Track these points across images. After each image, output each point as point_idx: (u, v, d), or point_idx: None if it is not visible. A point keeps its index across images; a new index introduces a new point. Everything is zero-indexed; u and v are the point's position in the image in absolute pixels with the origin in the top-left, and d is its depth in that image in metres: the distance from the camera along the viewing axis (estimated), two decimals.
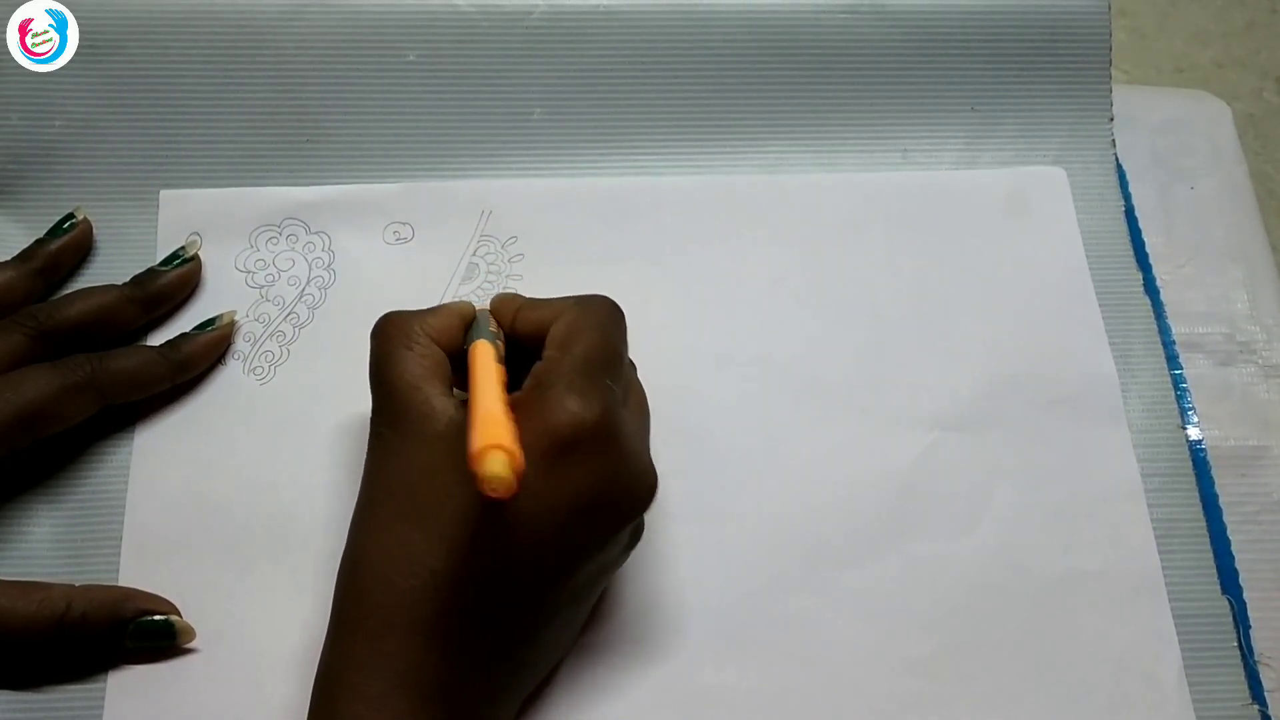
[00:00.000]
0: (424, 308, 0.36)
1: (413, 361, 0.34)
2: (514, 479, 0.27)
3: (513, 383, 0.33)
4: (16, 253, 0.41)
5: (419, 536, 0.31)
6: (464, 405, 0.33)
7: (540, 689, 0.36)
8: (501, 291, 0.37)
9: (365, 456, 0.34)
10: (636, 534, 0.35)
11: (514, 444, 0.28)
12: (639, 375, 0.37)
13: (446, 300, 0.42)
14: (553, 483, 0.31)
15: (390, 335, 0.34)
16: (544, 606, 0.32)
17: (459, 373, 0.35)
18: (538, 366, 0.33)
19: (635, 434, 0.34)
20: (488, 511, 0.30)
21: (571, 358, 0.33)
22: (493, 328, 0.36)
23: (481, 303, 0.39)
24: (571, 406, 0.31)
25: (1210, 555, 0.39)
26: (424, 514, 0.31)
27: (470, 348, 0.34)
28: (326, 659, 0.32)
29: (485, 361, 0.33)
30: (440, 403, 0.33)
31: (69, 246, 0.42)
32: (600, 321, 0.34)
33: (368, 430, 0.40)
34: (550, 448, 0.31)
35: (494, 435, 0.28)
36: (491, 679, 0.32)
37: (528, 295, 0.37)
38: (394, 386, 0.33)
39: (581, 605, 0.35)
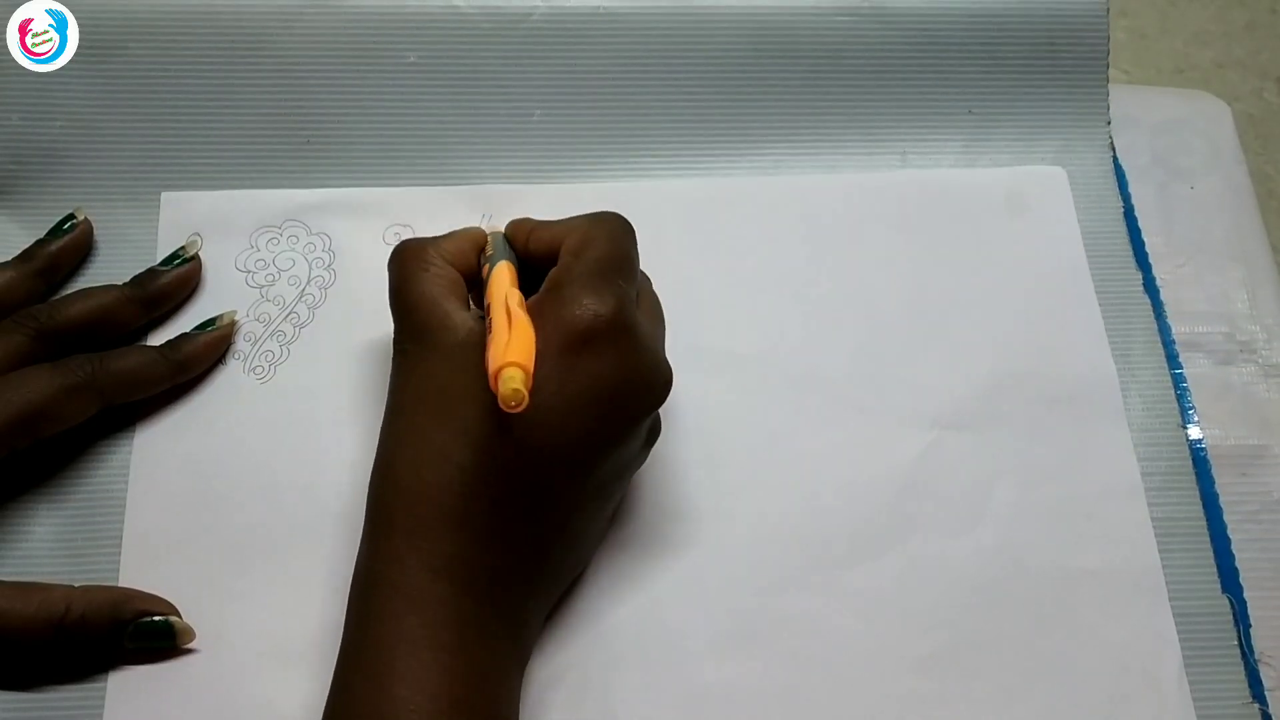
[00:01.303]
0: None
1: (429, 281, 0.35)
2: (526, 394, 0.29)
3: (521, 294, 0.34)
4: (17, 253, 0.41)
5: (446, 436, 0.32)
6: (482, 319, 0.34)
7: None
8: (516, 218, 0.39)
9: (390, 376, 0.35)
10: (655, 430, 0.37)
11: (528, 358, 0.30)
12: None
13: None
14: (571, 375, 0.32)
15: (407, 260, 0.36)
16: (569, 498, 0.34)
17: (474, 294, 0.36)
18: (553, 271, 0.35)
19: (649, 331, 0.35)
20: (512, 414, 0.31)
21: (585, 261, 0.34)
22: (506, 250, 0.37)
23: (496, 224, 0.40)
24: (586, 302, 0.33)
25: (1210, 554, 0.39)
26: (449, 415, 0.32)
27: (486, 268, 0.36)
28: (363, 560, 0.33)
29: (500, 280, 0.35)
30: (459, 316, 0.34)
31: (69, 247, 0.42)
32: (612, 231, 0.36)
33: (368, 428, 0.40)
34: (567, 342, 0.32)
35: (511, 352, 0.30)
36: (524, 570, 0.33)
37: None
38: (414, 305, 0.35)
39: (605, 501, 0.36)
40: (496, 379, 0.30)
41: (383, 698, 0.30)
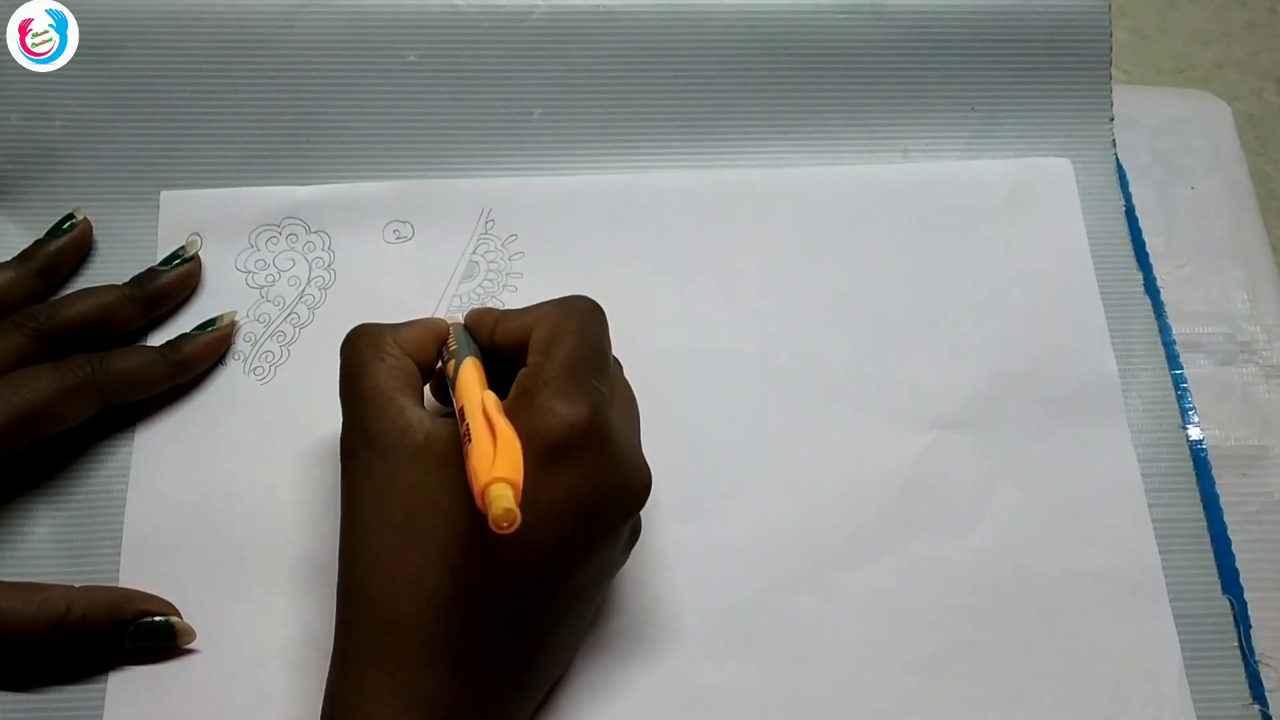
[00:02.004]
0: (397, 321, 0.36)
1: (385, 372, 0.33)
2: (519, 513, 0.27)
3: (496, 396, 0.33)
4: (16, 253, 0.41)
5: (419, 560, 0.31)
6: (440, 419, 0.32)
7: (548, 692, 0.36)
8: (475, 308, 0.37)
9: (341, 478, 0.33)
10: (635, 532, 0.35)
11: (517, 472, 0.28)
12: (633, 373, 0.37)
13: (445, 299, 0.42)
14: (546, 489, 0.31)
15: (361, 347, 0.34)
16: (549, 612, 0.32)
17: (430, 385, 0.35)
18: (522, 373, 0.33)
19: (625, 433, 0.33)
20: (484, 528, 0.29)
21: (555, 362, 0.32)
22: (470, 345, 0.36)
23: (455, 315, 0.39)
24: (560, 410, 0.31)
25: (1210, 555, 0.39)
26: (419, 536, 0.31)
27: (453, 365, 0.34)
28: (337, 689, 0.32)
29: (471, 382, 0.33)
30: (416, 414, 0.32)
31: (69, 247, 0.42)
32: (582, 323, 0.34)
33: None
34: (541, 454, 0.30)
35: (499, 467, 0.28)
36: (504, 690, 0.32)
37: (528, 293, 0.37)
38: (366, 398, 0.33)
39: (586, 607, 0.35)
40: (484, 496, 0.28)
41: None
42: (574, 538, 0.32)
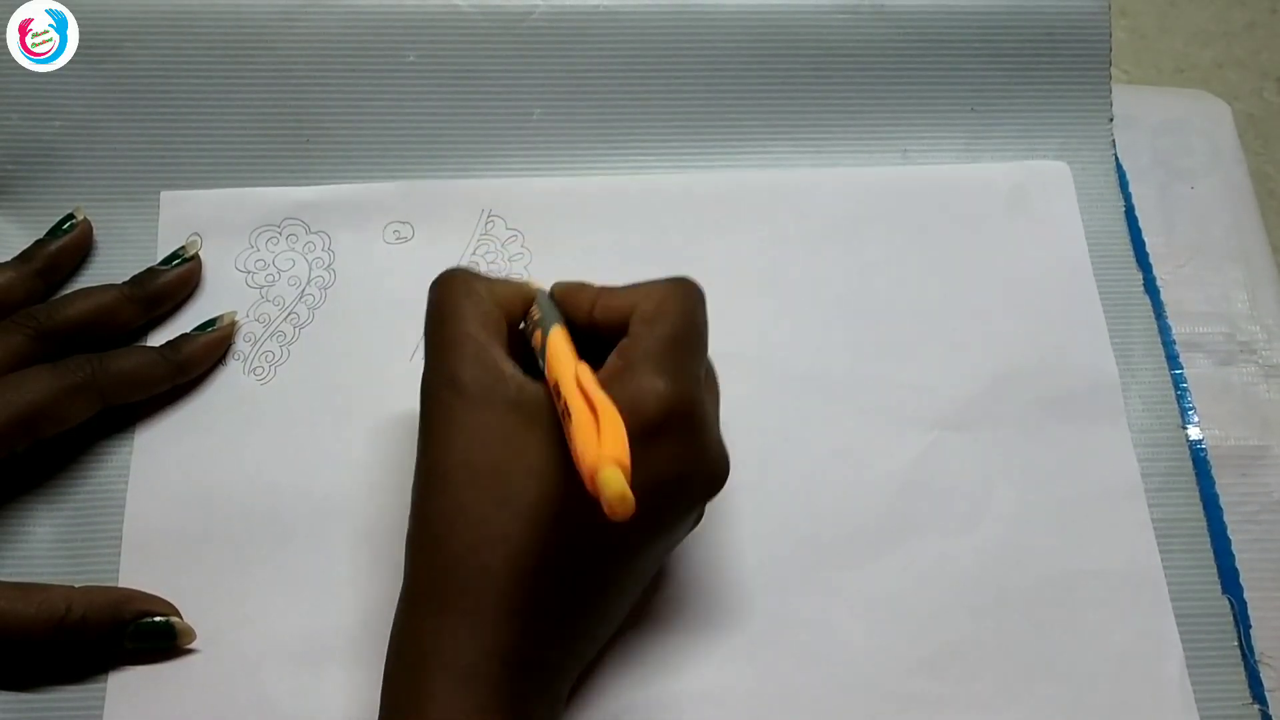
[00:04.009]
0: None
1: (477, 319, 0.33)
2: (633, 497, 0.26)
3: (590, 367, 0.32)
4: (16, 253, 0.41)
5: (506, 516, 0.31)
6: (528, 377, 0.32)
7: None
8: (565, 280, 0.36)
9: (420, 421, 0.33)
10: (700, 513, 0.35)
11: (625, 453, 0.27)
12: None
13: None
14: (639, 465, 0.29)
15: (455, 289, 0.33)
16: (616, 581, 0.33)
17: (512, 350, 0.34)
18: (623, 343, 0.32)
19: (713, 417, 0.34)
20: (575, 493, 0.29)
21: (658, 337, 0.32)
22: (555, 313, 0.35)
23: (540, 281, 0.37)
24: (659, 387, 0.31)
25: (1210, 555, 0.39)
26: (507, 492, 0.31)
27: (539, 335, 0.33)
28: (407, 633, 0.32)
29: (564, 353, 0.31)
30: (507, 365, 0.32)
31: (69, 247, 0.42)
32: (688, 302, 0.34)
33: (368, 429, 0.40)
34: (639, 429, 0.30)
35: (608, 447, 0.27)
36: (566, 648, 0.33)
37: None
38: (459, 343, 0.32)
39: (643, 579, 0.36)
40: (594, 479, 0.26)
41: None
42: (657, 516, 0.32)
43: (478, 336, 0.32)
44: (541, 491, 0.31)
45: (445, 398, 0.32)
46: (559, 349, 0.32)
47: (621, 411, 0.29)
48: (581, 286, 0.35)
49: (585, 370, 0.30)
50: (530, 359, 0.33)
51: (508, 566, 0.31)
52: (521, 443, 0.31)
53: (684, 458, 0.32)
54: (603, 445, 0.27)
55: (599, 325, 0.34)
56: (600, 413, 0.28)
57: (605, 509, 0.26)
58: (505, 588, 0.31)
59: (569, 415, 0.29)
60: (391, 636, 0.32)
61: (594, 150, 0.45)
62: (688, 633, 0.37)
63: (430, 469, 0.32)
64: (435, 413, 0.33)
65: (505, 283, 0.35)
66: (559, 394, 0.30)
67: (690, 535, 0.38)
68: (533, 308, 0.35)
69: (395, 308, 0.42)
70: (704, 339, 0.34)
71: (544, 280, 0.42)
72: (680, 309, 0.33)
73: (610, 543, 0.32)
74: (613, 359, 0.32)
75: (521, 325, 0.35)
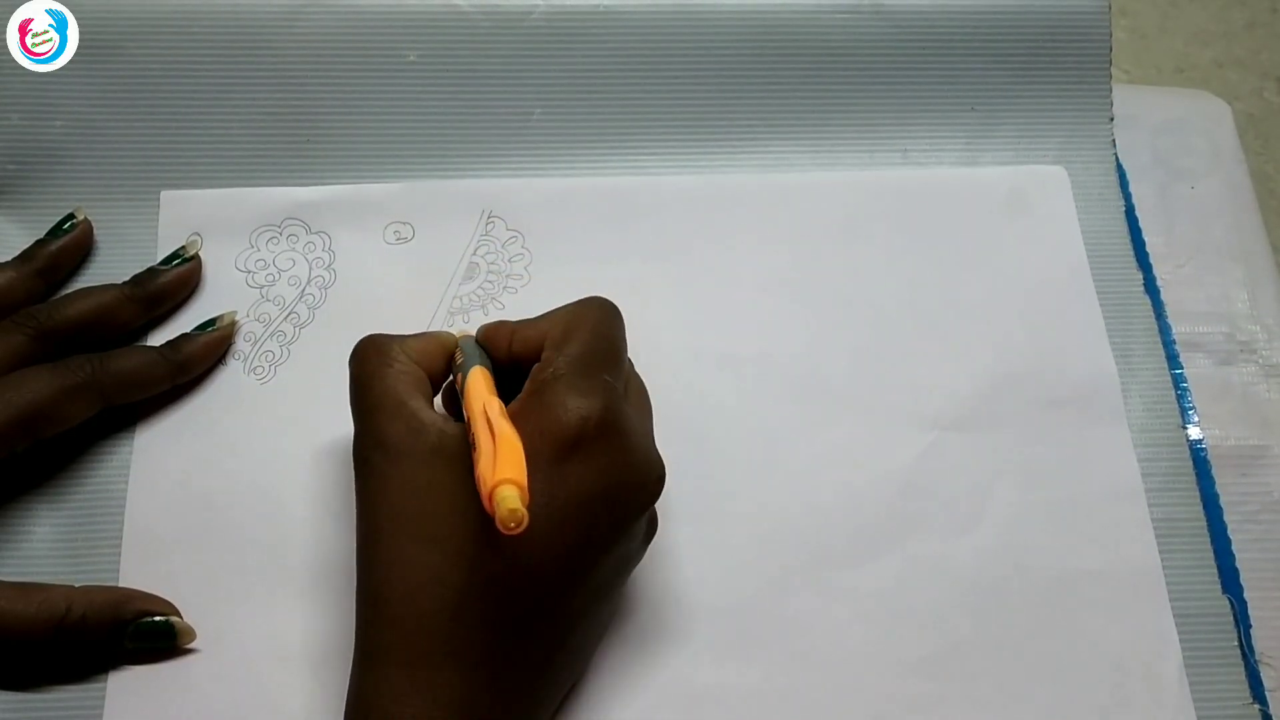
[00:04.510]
0: (398, 326, 0.36)
1: (394, 378, 0.33)
2: (526, 513, 0.27)
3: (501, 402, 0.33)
4: (17, 253, 0.41)
5: (438, 558, 0.31)
6: (453, 421, 0.33)
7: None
8: (488, 322, 0.37)
9: (355, 486, 0.33)
10: (652, 526, 0.35)
11: (520, 473, 0.28)
12: (640, 371, 0.37)
13: (446, 300, 0.42)
14: (561, 484, 0.31)
15: (369, 356, 0.34)
16: (568, 608, 0.32)
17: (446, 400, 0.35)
18: (535, 368, 0.33)
19: (639, 426, 0.34)
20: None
21: (568, 357, 0.33)
22: (479, 355, 0.36)
23: (459, 323, 0.39)
24: (572, 405, 0.31)
25: (1210, 555, 0.39)
26: (438, 534, 0.31)
27: (461, 377, 0.34)
28: (359, 689, 0.31)
29: (477, 388, 0.33)
30: (428, 415, 0.33)
31: (69, 247, 0.42)
32: (595, 319, 0.34)
33: None
34: (556, 449, 0.31)
35: (502, 469, 0.28)
36: (527, 687, 0.32)
37: (529, 295, 0.37)
38: (377, 403, 0.33)
39: (605, 603, 0.35)
40: (491, 499, 0.28)
41: None
42: (591, 532, 0.32)
43: (395, 394, 0.33)
44: (470, 529, 0.30)
45: (371, 458, 0.33)
46: (473, 388, 0.33)
47: (536, 433, 0.30)
48: (500, 324, 0.36)
49: (494, 403, 0.31)
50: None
51: (445, 608, 0.30)
52: (448, 485, 0.31)
53: (608, 469, 0.31)
54: (498, 467, 0.28)
55: (519, 357, 0.35)
56: (498, 437, 0.29)
57: (499, 526, 0.27)
58: (445, 632, 0.30)
59: (476, 448, 0.30)
60: (346, 698, 0.32)
61: (594, 151, 0.45)
62: (687, 632, 0.37)
63: (365, 527, 0.33)
64: (364, 473, 0.33)
65: (421, 337, 0.36)
66: (470, 428, 0.31)
67: (689, 535, 0.39)
68: (456, 353, 0.36)
69: (396, 308, 0.42)
70: (617, 352, 0.34)
71: (544, 279, 0.42)
72: (589, 326, 0.34)
73: (552, 569, 0.31)
74: (526, 386, 0.33)
75: (448, 375, 0.36)
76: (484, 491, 0.28)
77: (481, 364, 0.34)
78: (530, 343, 0.35)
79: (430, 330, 0.37)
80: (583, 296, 0.36)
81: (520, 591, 0.31)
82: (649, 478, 0.33)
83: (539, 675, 0.33)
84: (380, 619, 0.31)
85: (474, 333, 0.37)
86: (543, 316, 0.36)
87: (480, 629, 0.31)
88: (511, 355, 0.35)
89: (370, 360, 0.34)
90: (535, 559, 0.31)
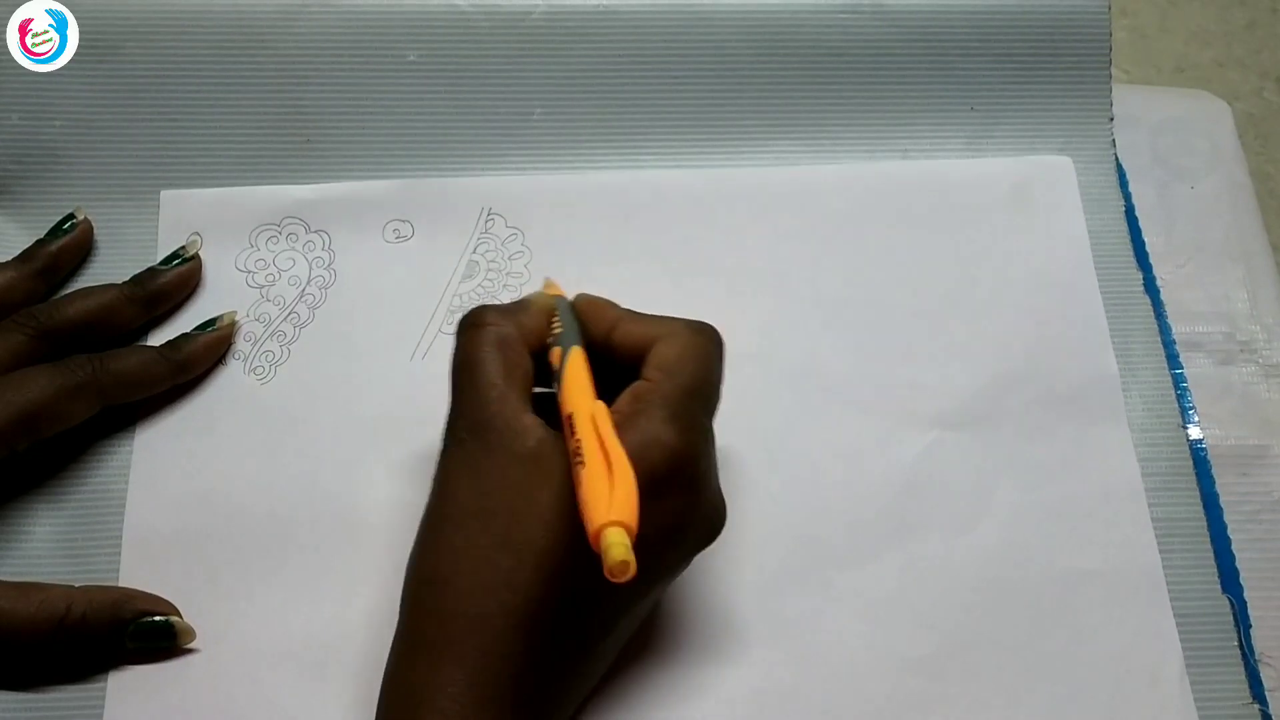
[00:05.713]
0: (512, 302, 0.36)
1: (503, 369, 0.33)
2: (634, 563, 0.27)
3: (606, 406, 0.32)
4: (17, 253, 0.41)
5: (513, 562, 0.30)
6: (552, 431, 0.32)
7: None
8: (590, 295, 0.36)
9: (440, 459, 0.33)
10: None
11: (633, 516, 0.27)
12: None
13: (446, 298, 0.42)
14: (647, 517, 0.29)
15: (481, 335, 0.34)
16: (616, 624, 0.33)
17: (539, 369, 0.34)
18: (640, 387, 0.33)
19: (714, 467, 0.34)
20: (583, 546, 0.29)
21: (676, 387, 0.32)
22: (575, 331, 0.35)
23: (558, 287, 0.38)
24: (670, 440, 0.31)
25: (1210, 554, 0.39)
26: (516, 541, 0.31)
27: (558, 352, 0.33)
28: (402, 674, 0.31)
29: (582, 387, 0.32)
30: (529, 419, 0.32)
31: (69, 247, 0.42)
32: (708, 354, 0.34)
33: (368, 429, 0.40)
34: (645, 483, 0.29)
35: (616, 508, 0.27)
36: (567, 689, 0.33)
37: (529, 291, 0.37)
38: (481, 392, 0.32)
39: (637, 619, 0.35)
40: (599, 538, 0.27)
41: None
42: (659, 565, 0.32)
43: (501, 386, 0.32)
44: (551, 541, 0.30)
45: (464, 441, 0.32)
46: (577, 378, 0.32)
47: (630, 459, 0.29)
48: (604, 306, 0.36)
49: (602, 412, 0.30)
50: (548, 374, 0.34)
51: (511, 616, 0.30)
52: (534, 493, 0.31)
53: (684, 511, 0.32)
54: (613, 505, 0.28)
55: (615, 349, 0.34)
56: (615, 467, 0.28)
57: (605, 572, 0.27)
58: (509, 635, 0.30)
59: (580, 458, 0.29)
60: (384, 680, 0.32)
61: (594, 149, 0.45)
62: (687, 632, 0.37)
63: (439, 509, 0.32)
64: (453, 455, 0.33)
65: (531, 313, 0.35)
66: (572, 429, 0.30)
67: None
68: (554, 321, 0.35)
69: (395, 307, 0.42)
70: (718, 393, 0.34)
71: (546, 274, 0.42)
72: (702, 360, 0.33)
73: (619, 597, 0.32)
74: (626, 400, 0.32)
75: (549, 340, 0.35)
76: (592, 524, 0.27)
77: (578, 343, 0.34)
78: (633, 342, 0.34)
79: (533, 295, 0.36)
80: (696, 320, 0.35)
81: (579, 609, 0.31)
82: (717, 521, 0.34)
83: (578, 679, 0.34)
84: (439, 610, 0.31)
85: (567, 294, 0.36)
86: (650, 318, 0.35)
87: (540, 637, 0.31)
88: (609, 343, 0.35)
89: (482, 340, 0.33)
90: (607, 585, 0.30)
